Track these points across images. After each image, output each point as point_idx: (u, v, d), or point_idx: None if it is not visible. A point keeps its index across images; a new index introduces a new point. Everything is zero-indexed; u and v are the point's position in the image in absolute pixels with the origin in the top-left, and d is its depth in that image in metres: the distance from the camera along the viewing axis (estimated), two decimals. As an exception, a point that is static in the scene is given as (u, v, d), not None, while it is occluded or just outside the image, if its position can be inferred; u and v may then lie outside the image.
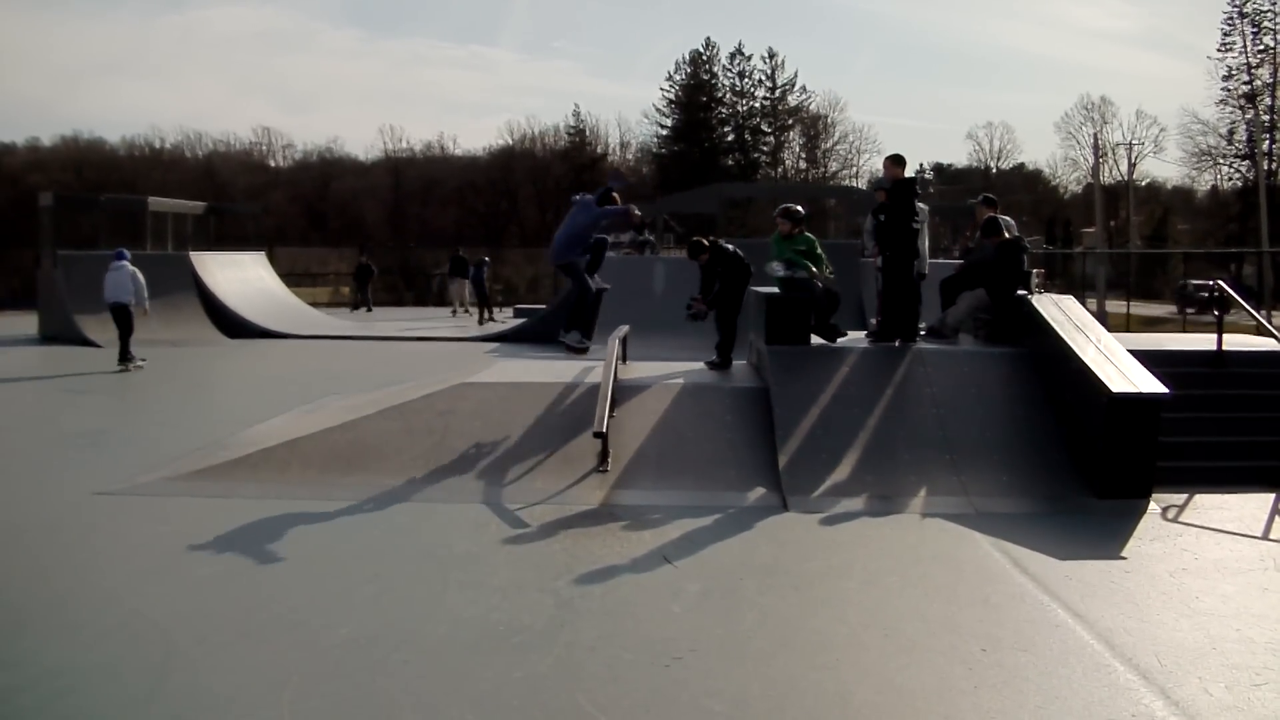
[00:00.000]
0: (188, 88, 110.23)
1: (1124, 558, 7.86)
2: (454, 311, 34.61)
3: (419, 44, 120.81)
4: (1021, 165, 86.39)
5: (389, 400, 11.81)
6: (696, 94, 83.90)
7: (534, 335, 24.83)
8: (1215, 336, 11.80)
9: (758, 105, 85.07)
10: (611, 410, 10.14)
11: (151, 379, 18.26)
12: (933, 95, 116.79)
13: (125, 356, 18.90)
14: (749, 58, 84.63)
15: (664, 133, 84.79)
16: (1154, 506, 9.17)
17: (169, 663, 5.60)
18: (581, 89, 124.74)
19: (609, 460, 9.85)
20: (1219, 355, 11.63)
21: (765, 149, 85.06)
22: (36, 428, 13.46)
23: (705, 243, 12.49)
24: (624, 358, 12.58)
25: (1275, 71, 65.94)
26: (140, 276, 19.03)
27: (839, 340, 11.74)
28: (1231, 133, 67.79)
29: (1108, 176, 71.56)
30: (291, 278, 37.63)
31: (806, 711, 5.10)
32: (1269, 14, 65.77)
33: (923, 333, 12.00)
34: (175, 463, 10.44)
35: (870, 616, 6.45)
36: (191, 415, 14.27)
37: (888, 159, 11.93)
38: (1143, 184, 76.81)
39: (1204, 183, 74.00)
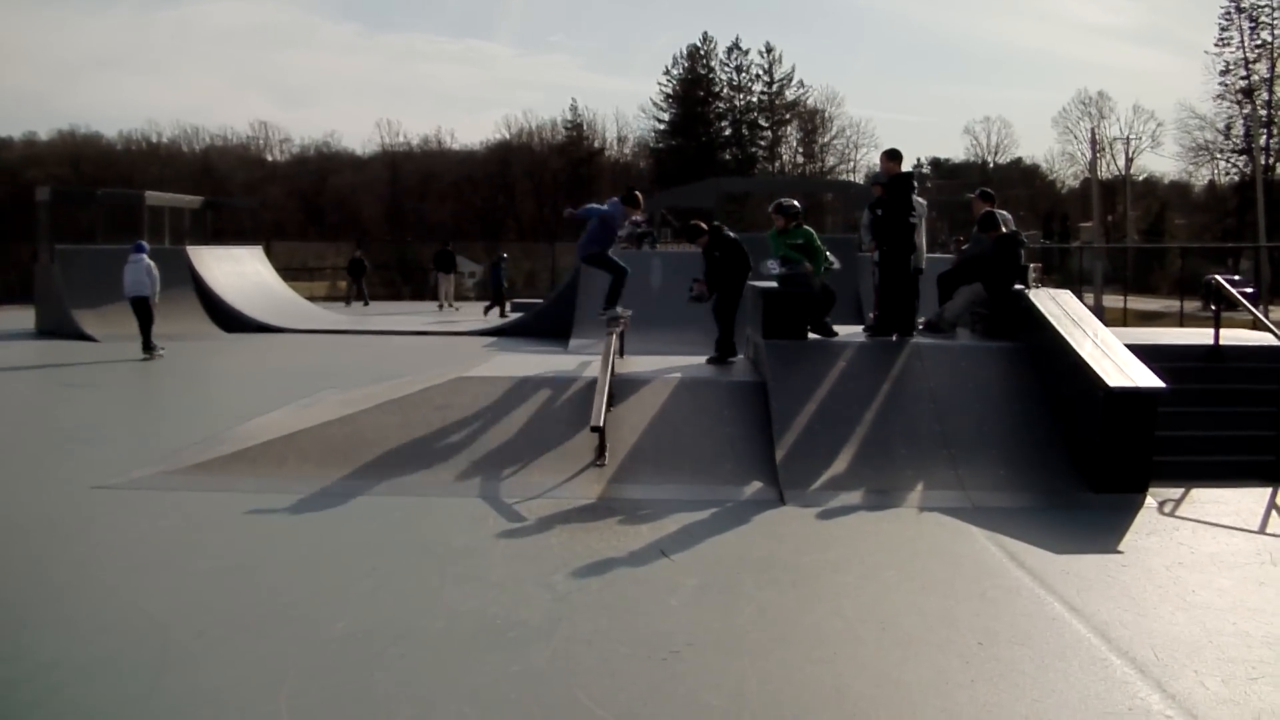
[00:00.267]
0: (185, 82, 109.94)
1: (1120, 552, 7.87)
2: (440, 306, 34.56)
3: (416, 38, 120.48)
4: (1019, 160, 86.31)
5: (386, 394, 11.81)
6: (694, 88, 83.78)
7: (531, 330, 24.85)
8: (1212, 331, 11.81)
9: (755, 100, 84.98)
10: (609, 405, 10.14)
11: (149, 373, 18.26)
12: (930, 90, 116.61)
13: (148, 346, 19.63)
14: (746, 52, 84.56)
15: (661, 127, 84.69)
16: (1150, 500, 9.19)
17: (167, 657, 5.60)
18: (579, 83, 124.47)
19: (606, 454, 9.85)
20: (1216, 350, 11.64)
21: (762, 143, 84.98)
22: (34, 422, 13.46)
23: (704, 226, 12.54)
24: (621, 352, 12.58)
25: (1272, 66, 65.95)
26: (156, 270, 19.69)
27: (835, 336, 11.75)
28: (1229, 128, 67.84)
29: (1105, 171, 71.56)
30: (289, 272, 37.59)
31: (803, 705, 5.11)
32: (1266, 9, 65.81)
33: (920, 327, 12.01)
34: (173, 457, 10.43)
35: (867, 610, 6.46)
36: (189, 409, 14.27)
37: (884, 154, 11.94)
38: (1140, 179, 76.79)
39: (1201, 177, 74.02)
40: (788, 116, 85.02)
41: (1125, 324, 25.66)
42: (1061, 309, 11.16)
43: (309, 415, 11.73)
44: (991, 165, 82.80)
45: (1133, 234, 64.76)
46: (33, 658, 5.56)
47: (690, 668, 5.53)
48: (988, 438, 10.00)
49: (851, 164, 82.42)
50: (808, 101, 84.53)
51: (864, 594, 6.79)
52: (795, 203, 12.17)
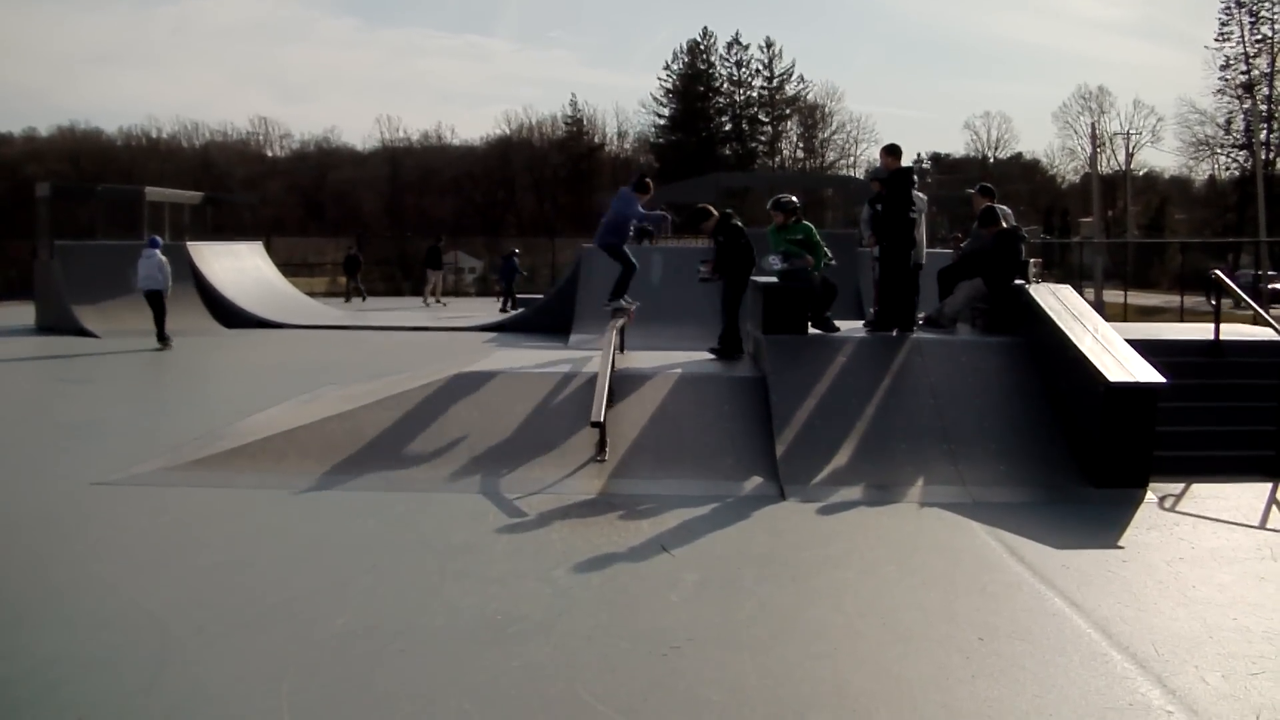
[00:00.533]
0: (185, 77, 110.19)
1: (1121, 547, 7.87)
2: (425, 302, 34.55)
3: (415, 34, 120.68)
4: (1019, 155, 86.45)
5: (386, 390, 11.80)
6: (694, 84, 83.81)
7: (532, 325, 24.83)
8: (1213, 326, 11.80)
9: (755, 95, 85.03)
10: (609, 400, 10.13)
11: (149, 369, 18.27)
12: (930, 85, 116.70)
13: (162, 337, 20.60)
14: (746, 47, 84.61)
15: (661, 122, 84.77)
16: (1151, 496, 9.18)
17: (166, 653, 5.60)
18: (578, 79, 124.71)
19: (606, 450, 9.85)
20: (1216, 345, 11.64)
21: (763, 139, 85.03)
22: (33, 418, 13.45)
23: (712, 210, 12.57)
24: (622, 347, 12.58)
25: (1272, 61, 65.99)
26: (168, 265, 20.69)
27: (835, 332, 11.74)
28: (1229, 122, 67.90)
29: (1105, 166, 71.60)
30: (289, 268, 37.56)
31: (803, 700, 5.11)
32: (1266, 3, 65.82)
33: (920, 322, 12.00)
34: (172, 453, 10.43)
35: (867, 605, 6.46)
36: (189, 405, 14.26)
37: (883, 150, 11.94)
38: (1140, 174, 76.90)
39: (1201, 172, 74.11)
40: (788, 111, 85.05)
41: (1125, 319, 25.65)
42: (1062, 304, 11.16)
43: (309, 411, 11.73)
44: (992, 160, 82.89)
45: (1133, 229, 64.73)
46: (32, 654, 5.56)
47: (690, 663, 5.52)
48: (988, 433, 9.99)
49: (852, 159, 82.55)
50: (808, 96, 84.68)
51: (864, 589, 6.78)
52: (793, 198, 12.16)
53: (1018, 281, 11.87)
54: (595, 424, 9.68)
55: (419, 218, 70.07)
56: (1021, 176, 79.42)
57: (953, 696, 5.15)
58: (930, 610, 6.36)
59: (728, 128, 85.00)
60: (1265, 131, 62.87)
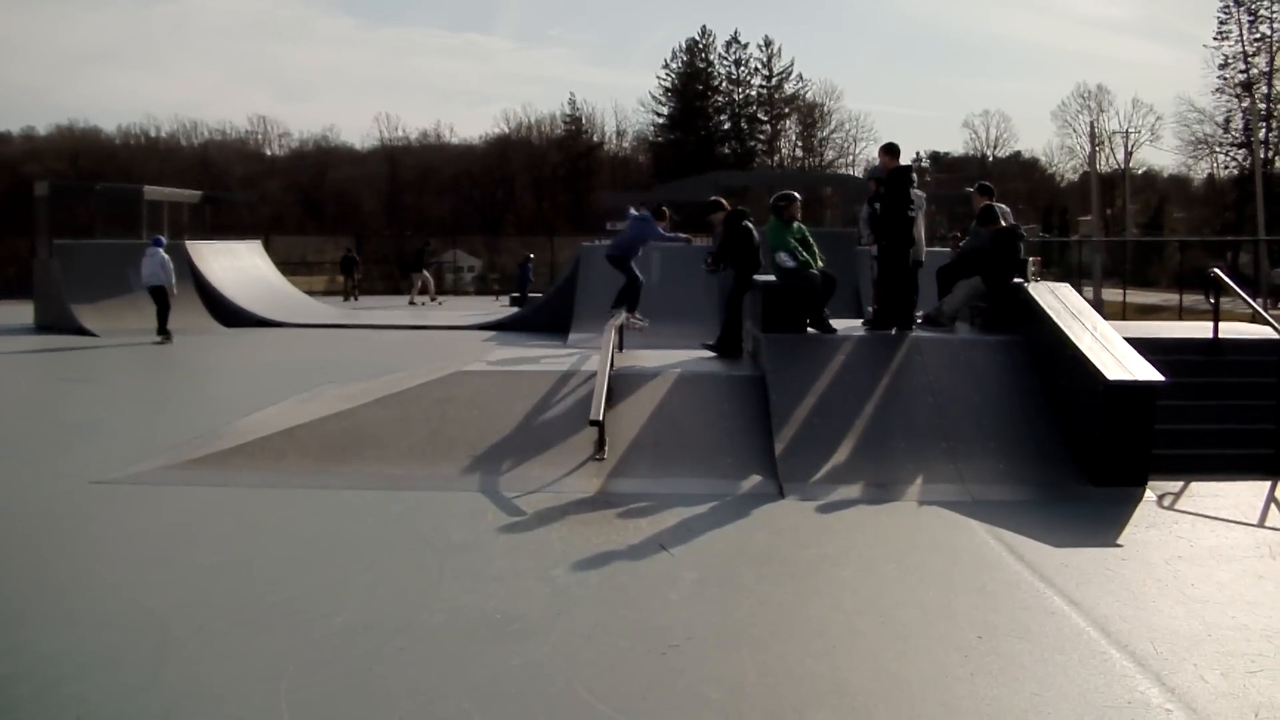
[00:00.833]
0: (183, 76, 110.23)
1: (1120, 545, 7.88)
2: (412, 301, 34.57)
3: (414, 32, 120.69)
4: (1018, 153, 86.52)
5: (385, 389, 11.80)
6: (692, 82, 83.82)
7: (531, 324, 24.84)
8: (1211, 324, 11.80)
9: (754, 93, 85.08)
10: (608, 398, 10.14)
11: (148, 368, 18.28)
12: (929, 83, 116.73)
13: (162, 330, 21.43)
14: (745, 46, 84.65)
15: (660, 121, 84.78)
16: (1150, 494, 9.19)
17: (166, 651, 5.60)
18: (577, 77, 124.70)
19: (605, 448, 9.85)
20: (1215, 343, 11.64)
21: (761, 137, 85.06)
22: (33, 417, 13.45)
23: (723, 203, 12.66)
24: (621, 346, 12.58)
25: (1271, 60, 66.05)
26: (170, 263, 21.58)
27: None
28: (1228, 121, 67.92)
29: (1104, 164, 71.59)
30: (287, 266, 37.60)
31: (802, 698, 5.11)
32: (1265, 2, 65.83)
33: (919, 321, 12.00)
34: (172, 451, 10.43)
35: (866, 604, 6.46)
36: (188, 404, 14.26)
37: (882, 148, 11.96)
38: (1139, 172, 76.96)
39: (1200, 171, 74.14)
40: (787, 110, 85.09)
41: (1124, 317, 25.63)
42: (1060, 302, 11.16)
43: (308, 410, 11.73)
44: (991, 159, 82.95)
45: (1132, 227, 64.78)
46: (32, 652, 5.56)
47: (689, 661, 5.53)
48: (987, 431, 9.99)
49: (851, 158, 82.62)
50: (807, 95, 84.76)
51: (863, 587, 6.79)
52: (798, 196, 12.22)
53: (1016, 280, 11.87)
54: (594, 422, 9.68)
55: (417, 216, 70.08)
56: (1020, 175, 79.49)
57: (951, 695, 5.16)
58: (929, 608, 6.37)
59: (726, 126, 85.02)
60: (1264, 130, 62.87)
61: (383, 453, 9.96)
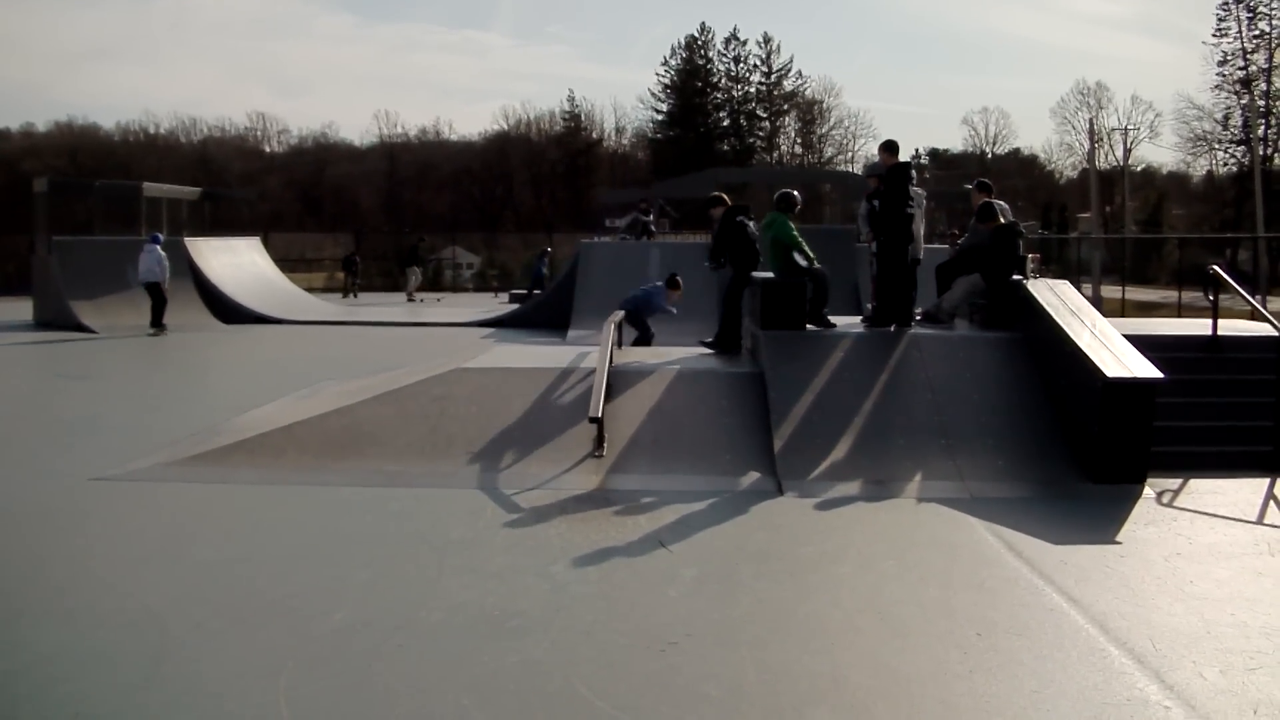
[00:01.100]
0: (182, 73, 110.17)
1: (1119, 542, 7.88)
2: (409, 297, 34.55)
3: (412, 29, 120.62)
4: (1017, 150, 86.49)
5: (384, 385, 11.80)
6: (691, 79, 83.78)
7: (530, 320, 24.83)
8: (1210, 321, 11.80)
9: (753, 90, 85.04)
10: (607, 395, 10.14)
11: (147, 364, 18.28)
12: (928, 80, 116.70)
13: (156, 323, 22.16)
14: (744, 43, 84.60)
15: (659, 118, 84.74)
16: (1149, 491, 9.19)
17: (164, 648, 5.60)
18: (576, 74, 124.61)
19: (604, 445, 9.85)
20: (1214, 340, 11.64)
21: (760, 134, 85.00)
22: (31, 414, 13.44)
23: (725, 199, 12.69)
24: (619, 343, 12.58)
25: (1270, 57, 65.97)
26: (166, 260, 22.25)
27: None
28: (1227, 118, 67.88)
29: (1103, 161, 71.53)
30: (286, 263, 37.59)
31: (801, 696, 5.11)
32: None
33: (918, 318, 12.00)
34: (171, 448, 10.43)
35: (865, 601, 6.46)
36: (187, 400, 14.25)
37: (881, 146, 11.96)
38: (1138, 169, 76.91)
39: (1199, 168, 74.08)
40: (786, 107, 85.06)
41: (1123, 314, 25.64)
42: (1059, 299, 11.15)
43: (307, 406, 11.72)
44: (990, 156, 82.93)
45: (1131, 224, 64.78)
46: (31, 650, 5.56)
47: (688, 658, 5.53)
48: (986, 428, 9.99)
49: (850, 155, 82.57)
50: (806, 92, 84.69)
51: (862, 584, 6.79)
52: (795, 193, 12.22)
53: (1016, 277, 11.87)
54: (593, 419, 9.68)
55: (416, 213, 70.01)
56: (1019, 172, 79.46)
57: (950, 692, 5.16)
58: (928, 605, 6.37)
59: (725, 123, 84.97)
60: (1263, 127, 62.85)
61: (382, 450, 9.96)
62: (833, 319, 11.83)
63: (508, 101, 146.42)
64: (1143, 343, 10.25)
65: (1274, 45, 65.84)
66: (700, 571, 6.97)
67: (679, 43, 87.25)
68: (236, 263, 28.58)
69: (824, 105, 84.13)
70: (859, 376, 10.66)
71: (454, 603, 6.34)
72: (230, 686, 5.14)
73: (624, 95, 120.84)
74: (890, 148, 11.73)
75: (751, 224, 12.56)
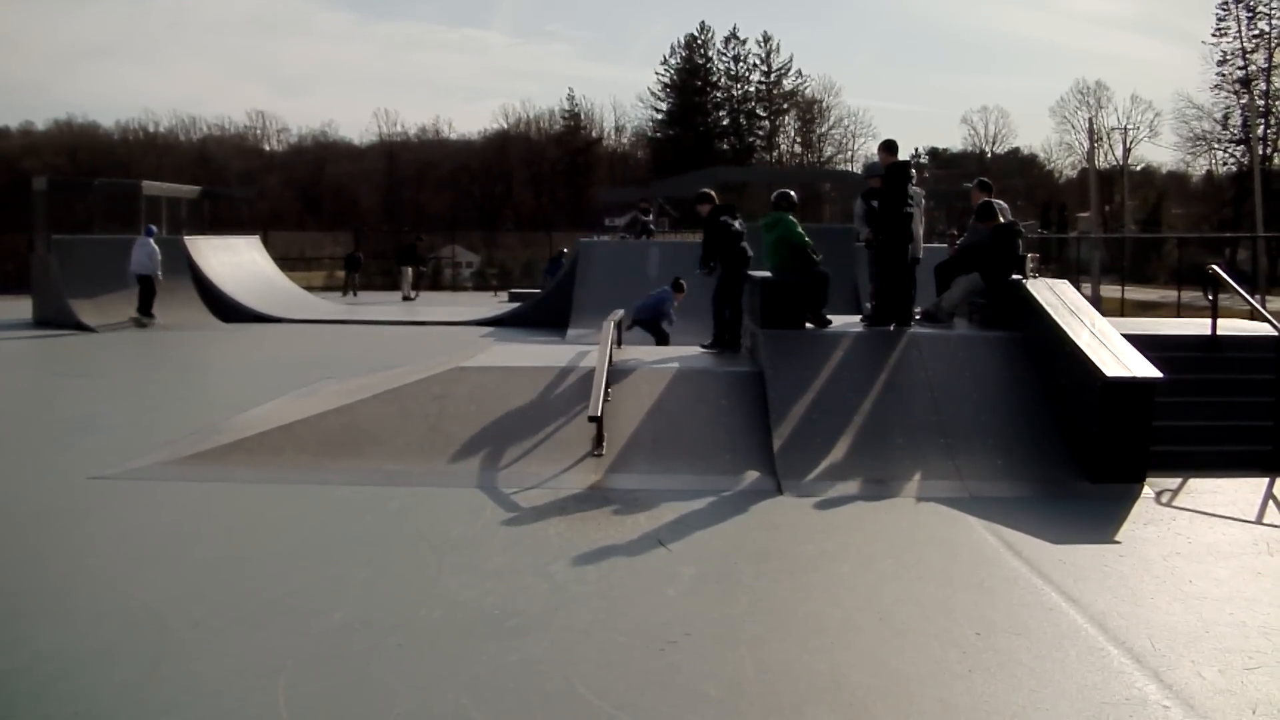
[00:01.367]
0: (181, 71, 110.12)
1: (1118, 542, 7.88)
2: (404, 296, 34.56)
3: (411, 27, 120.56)
4: (1016, 150, 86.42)
5: (384, 384, 11.79)
6: (691, 78, 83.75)
7: (529, 319, 24.83)
8: (1210, 321, 11.80)
9: (752, 89, 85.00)
10: (606, 394, 10.14)
11: (146, 363, 18.28)
12: (928, 79, 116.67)
13: (145, 311, 22.87)
14: (744, 42, 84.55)
15: (659, 117, 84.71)
16: (1148, 490, 9.20)
17: (163, 647, 5.60)
18: (576, 73, 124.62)
19: (604, 444, 9.85)
20: (1213, 340, 11.64)
21: (760, 133, 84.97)
22: (31, 412, 13.44)
23: (712, 195, 12.69)
24: (619, 342, 12.58)
25: (1270, 56, 65.89)
26: (158, 252, 22.95)
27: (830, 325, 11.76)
28: (1226, 117, 67.82)
29: (1103, 161, 71.48)
30: (286, 262, 37.53)
31: (800, 695, 5.11)
32: (1263, -1, 65.72)
33: (918, 317, 12.00)
34: (170, 447, 10.42)
35: (864, 600, 6.47)
36: (186, 399, 14.25)
37: (881, 146, 11.97)
38: (1138, 168, 76.86)
39: (1199, 167, 74.00)
40: (785, 106, 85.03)
41: (1122, 314, 25.66)
42: (1059, 298, 11.16)
43: (306, 405, 11.72)
44: (989, 155, 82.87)
45: (1130, 224, 64.76)
46: (30, 648, 5.56)
47: (687, 657, 5.53)
48: (985, 427, 10.00)
49: (849, 154, 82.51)
50: (805, 91, 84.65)
51: (861, 584, 6.79)
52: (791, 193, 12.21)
53: (1015, 276, 11.87)
54: (592, 418, 9.68)
55: (416, 212, 69.98)
56: (1019, 171, 79.43)
57: (949, 691, 5.16)
58: (927, 605, 6.37)
59: (725, 122, 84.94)
60: (1262, 127, 62.79)
61: (381, 449, 9.96)
62: (832, 318, 11.82)
63: (507, 100, 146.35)
64: (1142, 342, 10.26)
65: (1273, 45, 65.80)
66: (699, 570, 6.97)
67: (678, 41, 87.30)
68: (236, 261, 28.55)
69: (823, 104, 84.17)
70: (858, 376, 10.67)
71: (453, 602, 6.34)
72: (229, 685, 5.14)
73: (623, 94, 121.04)
74: (889, 147, 11.75)
75: (737, 223, 12.54)
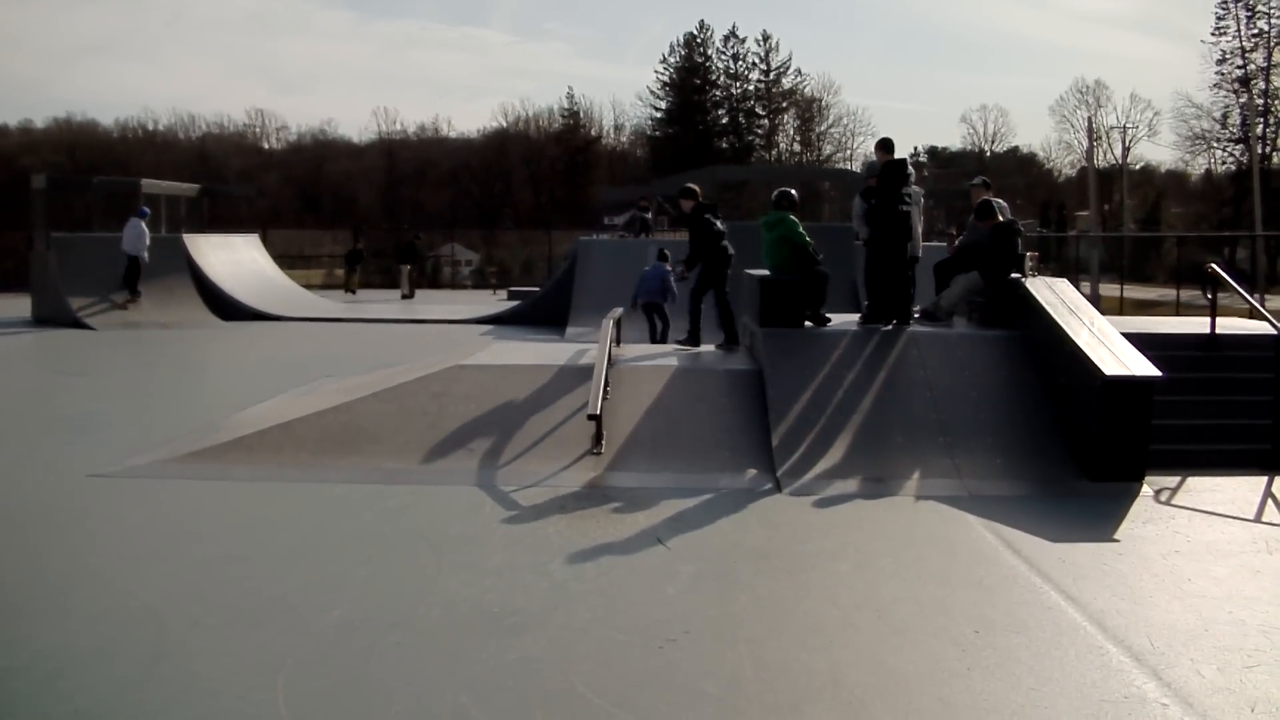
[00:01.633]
0: (180, 69, 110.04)
1: (1117, 540, 7.88)
2: (403, 294, 34.55)
3: (410, 25, 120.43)
4: (1016, 148, 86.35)
5: (383, 382, 11.79)
6: (690, 77, 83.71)
7: (529, 317, 24.83)
8: (1209, 320, 11.80)
9: (752, 88, 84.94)
10: (605, 392, 10.13)
11: (144, 361, 18.27)
12: (927, 78, 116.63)
13: (131, 289, 23.56)
14: (743, 40, 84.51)
15: (658, 115, 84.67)
16: (1147, 489, 9.20)
17: (162, 645, 5.60)
18: (575, 71, 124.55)
19: (603, 442, 9.85)
20: (1212, 338, 11.64)
21: (759, 132, 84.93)
22: (30, 410, 13.43)
23: (695, 190, 12.69)
24: (618, 340, 12.58)
25: (1269, 55, 65.90)
26: (147, 235, 23.72)
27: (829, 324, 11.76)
28: (1225, 116, 67.80)
29: (1102, 160, 71.47)
30: (285, 260, 37.50)
31: (799, 693, 5.11)
32: (1262, -2, 65.71)
33: (917, 315, 12.00)
34: (169, 445, 10.42)
35: (863, 598, 6.47)
36: (185, 397, 14.25)
37: (877, 144, 11.98)
38: (1137, 167, 76.84)
39: (1198, 166, 74.00)
40: (784, 105, 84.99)
41: (1121, 312, 25.67)
42: (1058, 297, 11.16)
43: (305, 403, 11.72)
44: (988, 154, 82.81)
45: (1129, 223, 64.77)
46: (29, 646, 5.56)
47: (686, 655, 5.53)
48: (984, 426, 10.00)
49: (848, 152, 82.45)
50: (804, 90, 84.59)
51: (860, 582, 6.79)
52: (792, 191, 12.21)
53: (1014, 275, 11.87)
54: (591, 416, 9.68)
55: (415, 210, 69.93)
56: (1018, 170, 79.39)
57: (948, 689, 5.16)
58: (926, 603, 6.37)
59: (724, 121, 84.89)
60: (1261, 126, 62.78)
61: (380, 447, 9.96)
62: (831, 317, 11.82)
63: (506, 98, 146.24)
64: (1141, 341, 10.26)
65: (1272, 44, 65.80)
66: (698, 569, 6.97)
67: (678, 40, 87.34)
68: (235, 260, 28.52)
69: (823, 103, 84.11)
70: (858, 374, 10.67)
71: (452, 600, 6.34)
72: (228, 683, 5.14)
73: (623, 92, 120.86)
74: (885, 145, 11.75)
75: (719, 223, 12.55)
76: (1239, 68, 66.83)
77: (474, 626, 5.91)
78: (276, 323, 24.99)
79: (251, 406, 12.32)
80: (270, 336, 22.25)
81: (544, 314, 24.21)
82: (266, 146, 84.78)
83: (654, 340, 15.75)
